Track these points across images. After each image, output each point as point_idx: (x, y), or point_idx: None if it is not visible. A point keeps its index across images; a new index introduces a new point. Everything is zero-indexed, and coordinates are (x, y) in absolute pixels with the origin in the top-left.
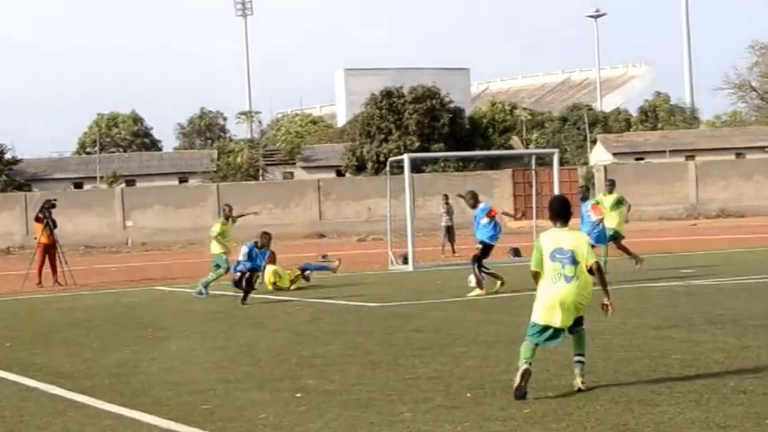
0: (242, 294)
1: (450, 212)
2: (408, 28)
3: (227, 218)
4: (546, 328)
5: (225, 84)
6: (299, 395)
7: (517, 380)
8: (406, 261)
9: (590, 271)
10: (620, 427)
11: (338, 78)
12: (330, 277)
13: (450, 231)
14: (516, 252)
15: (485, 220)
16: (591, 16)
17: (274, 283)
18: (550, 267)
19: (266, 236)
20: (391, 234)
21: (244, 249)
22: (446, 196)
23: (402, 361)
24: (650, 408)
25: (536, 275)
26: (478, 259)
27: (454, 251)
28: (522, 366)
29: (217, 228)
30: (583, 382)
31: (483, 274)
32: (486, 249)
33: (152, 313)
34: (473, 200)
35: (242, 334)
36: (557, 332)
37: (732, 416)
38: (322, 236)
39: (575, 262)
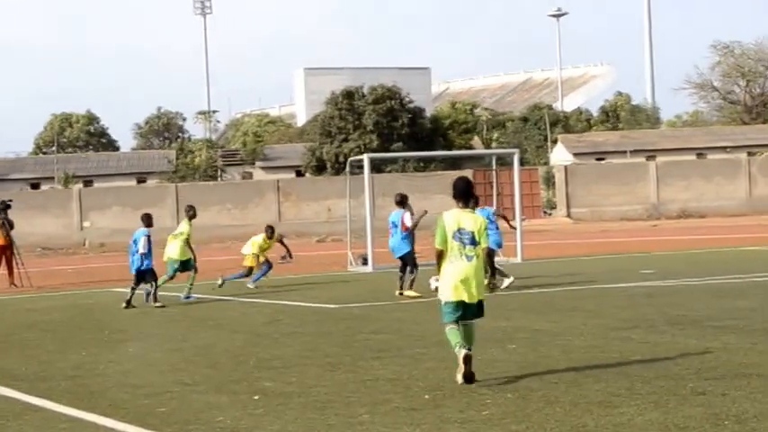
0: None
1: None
2: (369, 27)
3: (269, 237)
4: (458, 304)
5: (183, 83)
6: (256, 397)
7: (462, 366)
8: (365, 262)
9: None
10: (579, 429)
11: (297, 78)
12: (289, 278)
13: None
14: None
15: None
16: (552, 15)
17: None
18: (453, 246)
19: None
20: (351, 235)
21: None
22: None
23: (361, 362)
24: (609, 409)
25: (440, 254)
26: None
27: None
28: (461, 352)
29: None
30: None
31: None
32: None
33: (109, 315)
34: (400, 200)
35: (200, 336)
36: (468, 307)
37: (691, 417)
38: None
39: (474, 242)
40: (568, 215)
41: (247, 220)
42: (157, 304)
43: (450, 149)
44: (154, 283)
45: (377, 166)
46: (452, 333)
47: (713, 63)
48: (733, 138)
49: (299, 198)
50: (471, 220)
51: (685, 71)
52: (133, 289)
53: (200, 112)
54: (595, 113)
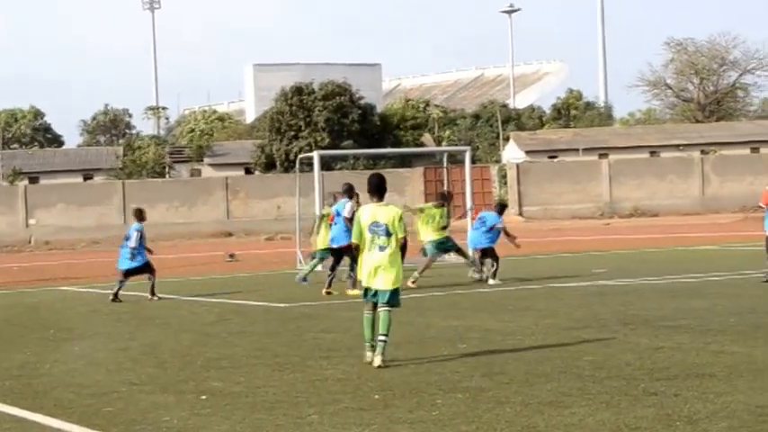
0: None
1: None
2: (319, 22)
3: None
4: (371, 290)
5: (131, 79)
6: (204, 397)
7: (368, 356)
8: None
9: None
10: (530, 429)
11: (247, 74)
12: (237, 277)
13: None
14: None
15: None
16: (505, 12)
17: None
18: (368, 238)
19: None
20: (300, 233)
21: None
22: (357, 195)
23: (310, 362)
24: (561, 409)
25: (357, 248)
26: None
27: None
28: (367, 354)
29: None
30: (383, 360)
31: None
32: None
33: (55, 314)
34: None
35: (147, 335)
36: (382, 294)
37: (643, 417)
38: (230, 234)
39: (388, 234)
40: (520, 213)
41: (195, 217)
42: (155, 298)
43: (400, 147)
44: (152, 277)
45: (327, 164)
46: (366, 324)
47: (667, 60)
48: (686, 136)
49: (248, 196)
50: (385, 213)
51: (639, 68)
52: (121, 282)
53: (150, 108)
54: (548, 111)
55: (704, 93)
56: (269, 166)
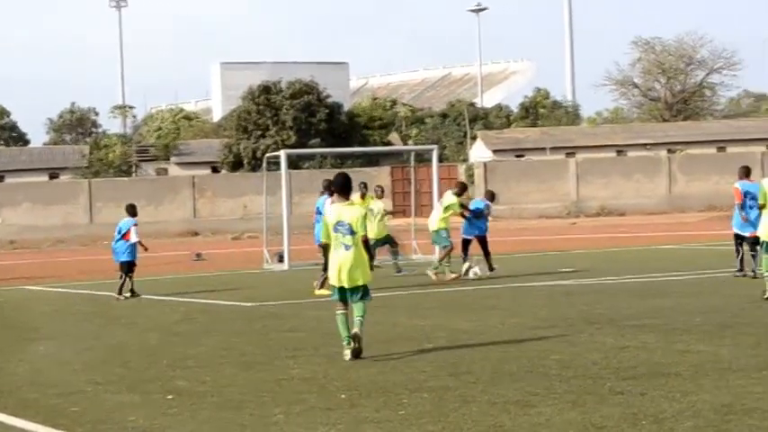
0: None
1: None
2: (286, 21)
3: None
4: (340, 288)
5: (98, 78)
6: (170, 397)
7: (352, 344)
8: (281, 260)
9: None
10: (496, 429)
11: (214, 72)
12: (204, 276)
13: None
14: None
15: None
16: (472, 11)
17: None
18: (333, 237)
19: None
20: (267, 232)
21: None
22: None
23: (276, 361)
24: (527, 409)
25: (326, 246)
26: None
27: None
28: (346, 349)
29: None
30: (360, 331)
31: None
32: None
33: (21, 313)
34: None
35: (113, 334)
36: (351, 291)
37: (609, 417)
38: (196, 234)
39: (352, 232)
40: None
41: (162, 216)
42: (122, 297)
43: (367, 146)
44: (125, 276)
45: (294, 163)
46: (340, 322)
47: (634, 60)
48: (653, 135)
49: (215, 195)
50: (350, 212)
51: (606, 68)
52: (129, 277)
53: (117, 107)
54: (515, 110)
55: (671, 92)
56: (236, 164)
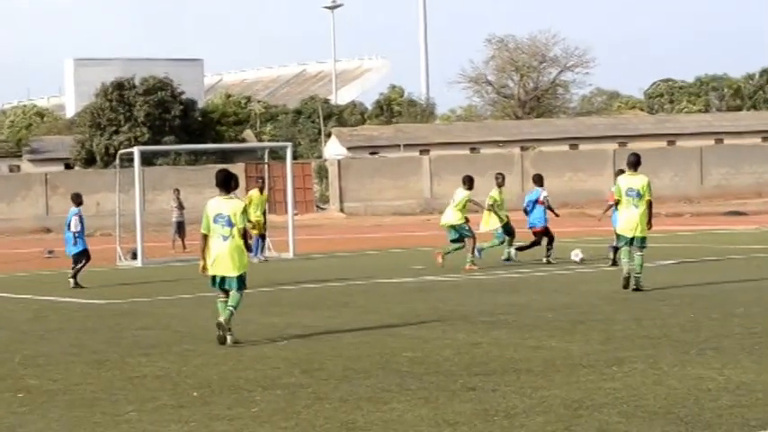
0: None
1: (181, 207)
2: (140, 17)
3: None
4: (217, 277)
5: None
6: (21, 395)
7: (218, 331)
8: (135, 257)
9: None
10: (348, 425)
11: (67, 68)
12: (56, 273)
13: (180, 226)
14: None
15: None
16: (327, 7)
17: None
18: (213, 228)
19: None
20: (120, 229)
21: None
22: (177, 191)
23: (129, 359)
24: (379, 405)
25: (205, 237)
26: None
27: (185, 247)
28: (217, 320)
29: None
30: (226, 321)
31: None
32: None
33: None
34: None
35: None
36: (223, 280)
37: (461, 413)
38: (49, 231)
39: (231, 224)
40: (341, 210)
41: (14, 213)
42: (72, 285)
43: (221, 142)
44: (76, 267)
45: (148, 159)
46: (221, 309)
47: (487, 57)
48: (506, 132)
49: (68, 191)
50: (229, 205)
51: (461, 65)
52: (77, 269)
53: None
54: (370, 107)
55: (524, 89)
56: (89, 161)
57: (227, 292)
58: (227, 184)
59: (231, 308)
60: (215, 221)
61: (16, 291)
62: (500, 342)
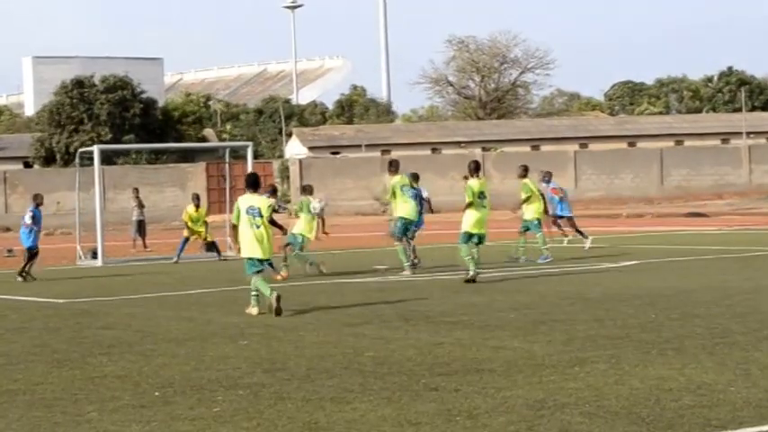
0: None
1: (141, 206)
2: (99, 15)
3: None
4: (254, 259)
5: None
6: None
7: (274, 304)
8: (95, 256)
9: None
10: (311, 425)
11: (26, 66)
12: (14, 272)
13: (141, 225)
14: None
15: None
16: (288, 7)
17: None
18: (246, 219)
19: None
20: (80, 228)
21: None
22: (137, 190)
23: (90, 359)
24: (342, 405)
25: (234, 227)
26: None
27: (145, 246)
28: (274, 295)
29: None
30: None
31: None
32: None
33: None
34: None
35: None
36: (261, 262)
37: (424, 413)
38: (8, 230)
39: (260, 215)
40: None
41: None
42: (20, 279)
43: (182, 141)
44: (33, 260)
45: (108, 158)
46: (262, 284)
47: (448, 58)
48: (467, 133)
49: (27, 190)
50: (259, 200)
51: (422, 66)
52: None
53: None
54: (331, 107)
55: (485, 90)
56: (49, 160)
57: (259, 272)
58: (256, 183)
59: (256, 294)
60: (247, 213)
61: None
62: (462, 342)
